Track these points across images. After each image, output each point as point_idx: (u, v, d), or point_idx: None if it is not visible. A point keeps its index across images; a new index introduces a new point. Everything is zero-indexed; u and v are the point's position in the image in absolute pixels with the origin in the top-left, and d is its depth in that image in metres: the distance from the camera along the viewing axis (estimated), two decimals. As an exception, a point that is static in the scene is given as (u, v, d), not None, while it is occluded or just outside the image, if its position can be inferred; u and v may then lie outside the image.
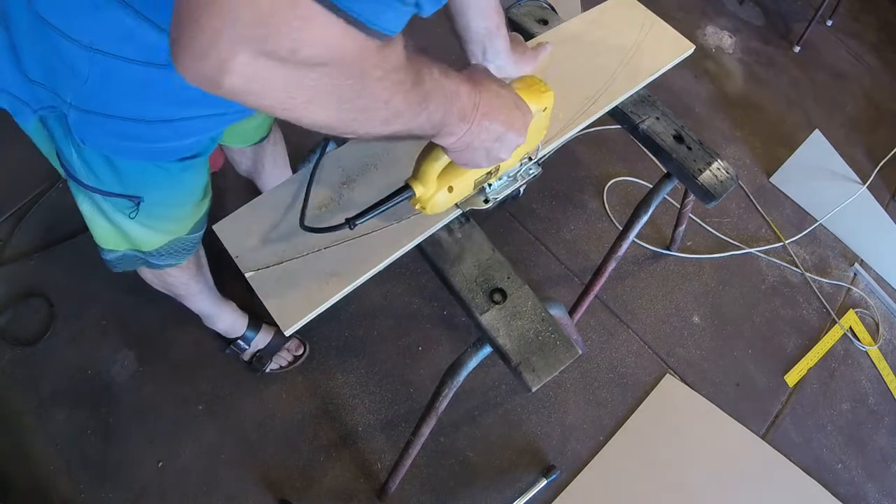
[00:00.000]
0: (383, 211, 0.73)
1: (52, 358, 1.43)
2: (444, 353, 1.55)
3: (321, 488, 1.36)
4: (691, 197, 1.48)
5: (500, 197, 0.86)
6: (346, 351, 1.52)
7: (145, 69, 0.63)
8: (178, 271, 1.10)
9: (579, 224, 1.82)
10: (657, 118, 1.11)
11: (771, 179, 2.05)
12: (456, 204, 0.84)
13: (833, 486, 1.52)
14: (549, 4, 1.25)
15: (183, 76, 0.41)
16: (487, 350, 0.85)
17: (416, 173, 0.73)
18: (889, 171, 2.15)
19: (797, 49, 2.44)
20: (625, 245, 1.26)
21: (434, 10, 0.50)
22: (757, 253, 1.86)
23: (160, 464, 1.35)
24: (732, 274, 1.82)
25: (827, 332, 1.76)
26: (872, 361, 1.74)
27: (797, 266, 1.86)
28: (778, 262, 1.86)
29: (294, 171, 1.48)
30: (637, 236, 1.28)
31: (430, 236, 0.86)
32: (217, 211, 0.93)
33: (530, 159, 0.86)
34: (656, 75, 1.10)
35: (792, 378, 1.67)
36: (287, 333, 0.77)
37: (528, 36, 1.16)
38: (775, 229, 1.92)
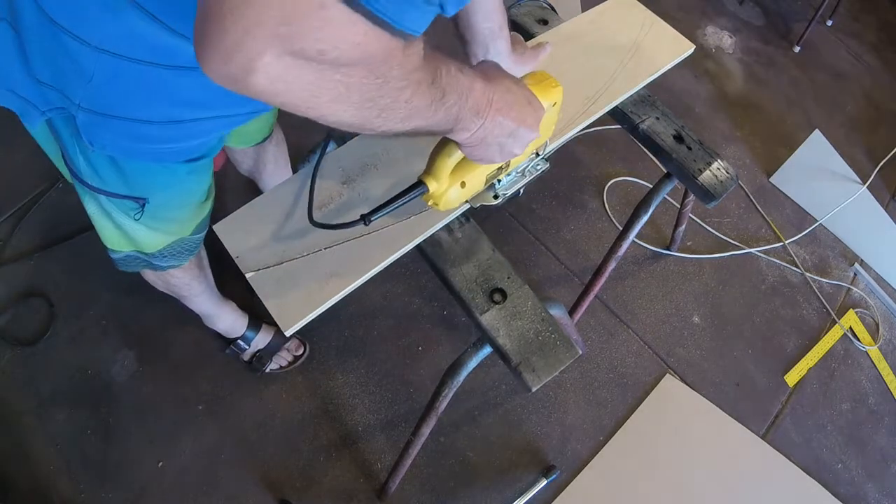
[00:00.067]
0: (397, 207, 0.73)
1: (52, 358, 1.43)
2: (444, 353, 1.55)
3: (321, 488, 1.36)
4: (691, 197, 1.48)
5: (510, 192, 0.86)
6: (346, 351, 1.52)
7: (154, 70, 0.63)
8: (180, 272, 1.10)
9: (579, 224, 1.82)
10: (657, 118, 1.11)
11: (771, 179, 2.05)
12: (466, 200, 0.84)
13: (833, 486, 1.52)
14: (549, 4, 1.25)
15: (208, 76, 0.41)
16: (487, 350, 0.85)
17: (430, 169, 0.72)
18: (889, 171, 2.15)
19: (797, 49, 2.44)
20: (625, 245, 1.26)
21: (457, 9, 0.51)
22: (757, 253, 1.86)
23: (160, 464, 1.35)
24: (732, 274, 1.82)
25: (827, 332, 1.76)
26: (872, 361, 1.74)
27: (797, 266, 1.86)
28: (778, 262, 1.86)
29: (294, 171, 1.48)
30: (637, 236, 1.28)
31: (430, 236, 0.86)
32: (217, 211, 0.93)
33: (538, 154, 0.86)
34: (656, 75, 1.10)
35: (792, 378, 1.67)
36: (287, 334, 0.77)
37: (528, 36, 1.16)
38: (775, 229, 1.92)
